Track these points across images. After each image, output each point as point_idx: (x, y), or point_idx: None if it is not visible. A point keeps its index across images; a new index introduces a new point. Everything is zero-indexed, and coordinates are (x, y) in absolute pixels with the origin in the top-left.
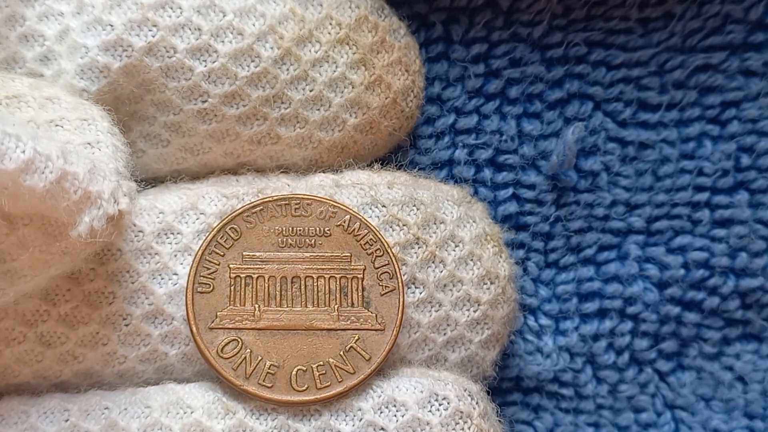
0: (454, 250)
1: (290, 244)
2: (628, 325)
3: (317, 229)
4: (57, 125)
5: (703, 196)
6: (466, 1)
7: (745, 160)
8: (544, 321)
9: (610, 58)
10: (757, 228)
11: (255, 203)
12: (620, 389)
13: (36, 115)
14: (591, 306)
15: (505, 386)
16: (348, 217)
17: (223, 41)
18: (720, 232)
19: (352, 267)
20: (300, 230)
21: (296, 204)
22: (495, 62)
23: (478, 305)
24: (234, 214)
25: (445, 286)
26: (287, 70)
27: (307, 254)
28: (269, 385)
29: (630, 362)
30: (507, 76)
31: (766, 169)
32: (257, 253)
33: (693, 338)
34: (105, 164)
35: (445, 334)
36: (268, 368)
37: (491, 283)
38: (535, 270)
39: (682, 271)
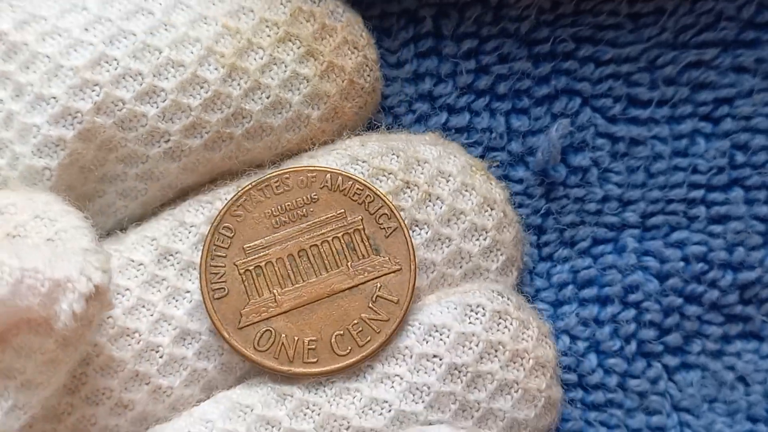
0: (447, 185)
1: (284, 221)
2: (631, 312)
3: (303, 198)
4: (15, 236)
5: (698, 193)
6: None
7: (740, 157)
8: (542, 306)
9: (599, 53)
10: (753, 224)
11: (236, 196)
12: (630, 384)
13: None
14: (589, 292)
15: None
16: (328, 176)
17: (167, 78)
18: (717, 228)
19: (349, 221)
20: (288, 205)
21: (275, 182)
22: (484, 58)
23: (486, 232)
24: (221, 213)
25: (449, 220)
26: (238, 85)
27: (304, 225)
28: (314, 360)
29: (637, 353)
30: (496, 72)
31: (761, 166)
32: (256, 242)
33: (695, 333)
34: (68, 248)
35: (461, 266)
36: (308, 345)
37: (491, 209)
38: (529, 263)
39: (681, 264)
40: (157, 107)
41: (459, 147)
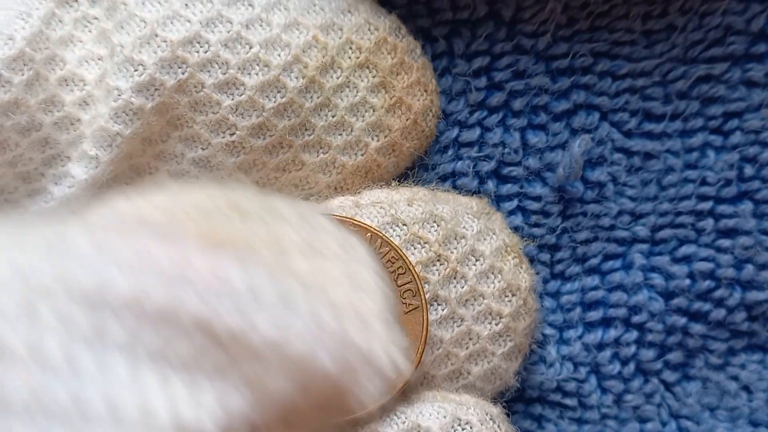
0: (475, 265)
1: None
2: (633, 334)
3: None
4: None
5: (706, 205)
6: (468, 13)
7: (749, 170)
8: (548, 331)
9: (616, 68)
10: (762, 239)
11: None
12: (625, 399)
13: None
14: (595, 315)
15: (507, 396)
16: (368, 235)
17: (249, 74)
18: (725, 243)
19: None
20: None
21: None
22: (497, 75)
23: (500, 318)
24: None
25: (467, 301)
26: (311, 98)
27: None
28: None
29: (636, 372)
30: (510, 89)
31: None
32: None
33: (699, 349)
34: (372, 314)
35: (467, 348)
36: None
37: (512, 295)
38: (540, 283)
39: (687, 282)
40: (233, 99)
41: (502, 221)
